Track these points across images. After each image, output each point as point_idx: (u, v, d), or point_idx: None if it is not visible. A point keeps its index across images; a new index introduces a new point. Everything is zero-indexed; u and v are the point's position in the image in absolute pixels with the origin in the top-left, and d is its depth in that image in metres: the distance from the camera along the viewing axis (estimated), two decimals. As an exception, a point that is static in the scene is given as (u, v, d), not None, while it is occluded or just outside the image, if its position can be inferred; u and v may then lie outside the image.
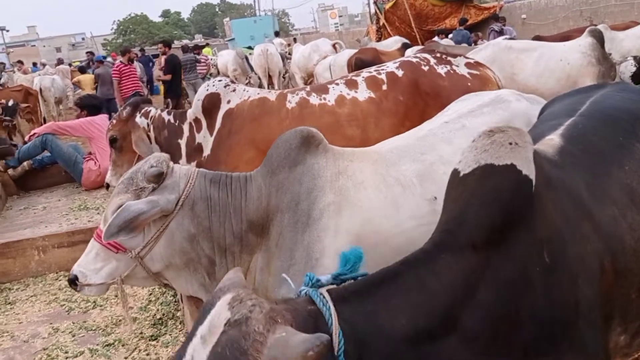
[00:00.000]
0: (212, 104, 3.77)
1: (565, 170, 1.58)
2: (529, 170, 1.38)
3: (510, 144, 1.42)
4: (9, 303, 3.97)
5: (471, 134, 2.08)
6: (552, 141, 1.72)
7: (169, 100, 9.32)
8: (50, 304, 3.89)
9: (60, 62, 23.17)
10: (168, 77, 11.62)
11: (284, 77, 15.06)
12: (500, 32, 12.88)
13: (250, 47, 21.83)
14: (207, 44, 26.28)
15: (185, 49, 14.46)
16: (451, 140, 2.24)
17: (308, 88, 3.91)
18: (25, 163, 7.46)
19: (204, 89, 3.85)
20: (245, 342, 1.02)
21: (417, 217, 2.00)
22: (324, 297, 1.26)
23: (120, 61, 11.09)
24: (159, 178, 2.09)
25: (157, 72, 16.91)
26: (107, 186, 3.95)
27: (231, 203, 2.10)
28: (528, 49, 6.79)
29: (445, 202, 1.47)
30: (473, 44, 11.46)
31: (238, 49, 16.28)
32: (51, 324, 3.59)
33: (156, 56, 21.78)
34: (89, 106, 8.03)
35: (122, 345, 3.23)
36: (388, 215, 2.01)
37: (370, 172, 2.11)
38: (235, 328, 1.05)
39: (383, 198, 2.04)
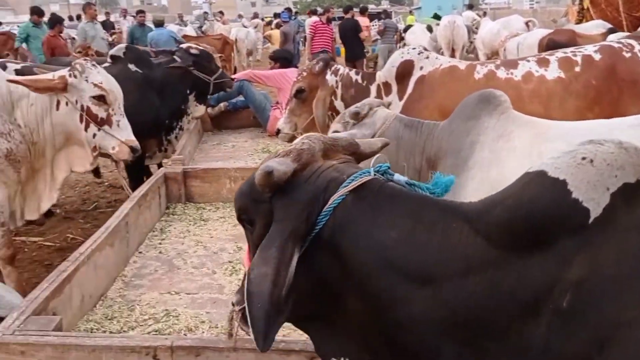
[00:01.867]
0: (406, 70, 3.97)
1: None
2: (585, 195, 1.14)
3: (584, 159, 1.19)
4: (203, 220, 4.64)
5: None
6: None
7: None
8: (236, 226, 4.44)
9: (255, 16, 24.96)
10: None
11: (467, 52, 14.73)
12: None
13: (435, 17, 21.56)
14: (411, 12, 26.76)
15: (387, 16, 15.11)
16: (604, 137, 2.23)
17: (498, 62, 3.97)
18: (221, 104, 8.34)
19: (398, 56, 4.06)
20: (275, 155, 1.38)
21: None
22: (360, 177, 1.34)
23: (320, 19, 11.73)
24: (356, 116, 2.65)
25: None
26: (278, 131, 4.17)
27: (417, 143, 2.57)
28: None
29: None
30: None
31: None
32: (236, 242, 4.15)
33: (341, 18, 22.61)
34: (281, 59, 8.75)
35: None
36: None
37: (526, 141, 2.33)
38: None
39: (521, 166, 2.21)
